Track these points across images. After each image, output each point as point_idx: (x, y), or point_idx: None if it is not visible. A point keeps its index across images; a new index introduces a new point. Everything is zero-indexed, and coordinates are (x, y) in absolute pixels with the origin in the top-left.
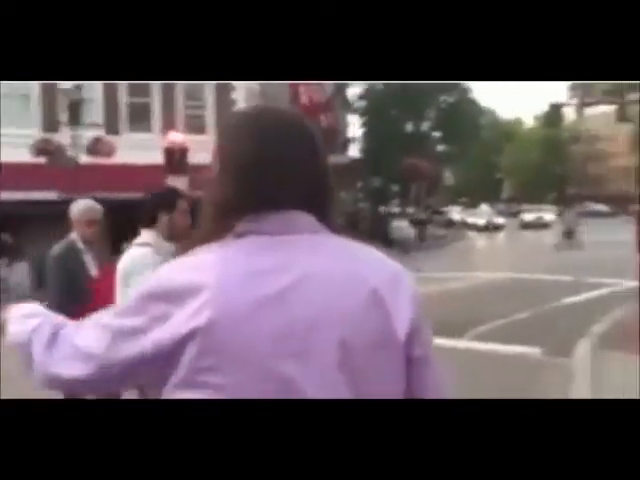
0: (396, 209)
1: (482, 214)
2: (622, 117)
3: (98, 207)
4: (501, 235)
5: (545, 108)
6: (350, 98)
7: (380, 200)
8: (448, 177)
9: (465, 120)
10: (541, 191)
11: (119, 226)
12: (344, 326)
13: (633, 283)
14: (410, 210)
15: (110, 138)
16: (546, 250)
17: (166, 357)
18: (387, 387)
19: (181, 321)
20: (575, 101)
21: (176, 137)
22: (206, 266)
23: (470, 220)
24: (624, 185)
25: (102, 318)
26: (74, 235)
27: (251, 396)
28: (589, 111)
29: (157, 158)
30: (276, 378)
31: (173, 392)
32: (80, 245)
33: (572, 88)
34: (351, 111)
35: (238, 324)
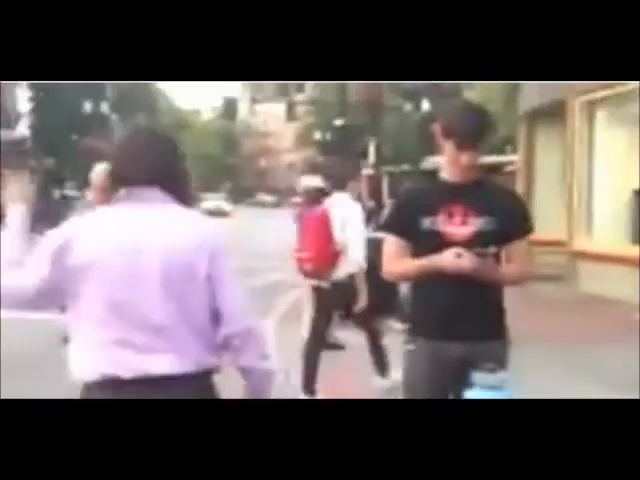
0: (73, 192)
1: None
2: (291, 116)
3: None
4: None
5: (220, 102)
6: None
7: (54, 182)
8: None
9: (142, 105)
10: (217, 181)
11: None
12: (166, 265)
13: None
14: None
15: None
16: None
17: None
18: (199, 310)
19: (70, 252)
20: (247, 97)
21: None
22: (89, 220)
23: None
24: (288, 178)
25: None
26: (91, 201)
27: (100, 299)
28: (261, 108)
29: None
30: (126, 293)
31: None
32: None
33: (244, 85)
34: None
35: (100, 255)
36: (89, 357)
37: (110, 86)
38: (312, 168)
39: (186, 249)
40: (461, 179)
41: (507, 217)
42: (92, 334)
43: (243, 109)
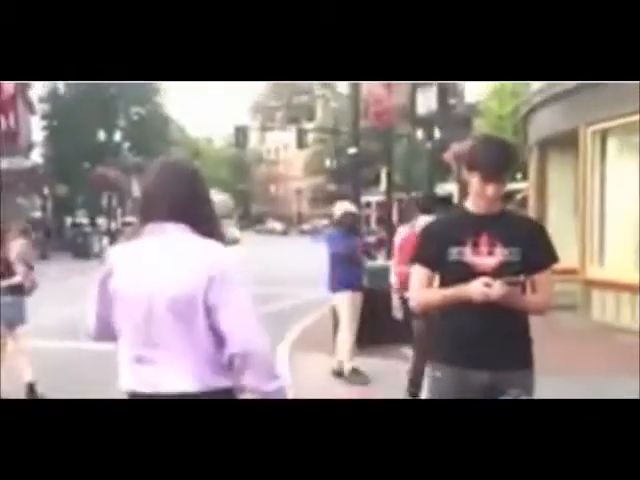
0: (84, 219)
1: None
2: (302, 144)
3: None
4: None
5: (231, 130)
6: (34, 99)
7: (66, 209)
8: (135, 189)
9: (154, 134)
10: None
11: None
12: (173, 294)
13: (314, 294)
14: (100, 221)
15: None
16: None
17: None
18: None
19: (110, 281)
20: (257, 125)
21: None
22: (119, 251)
23: None
24: (298, 205)
25: None
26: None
27: (128, 322)
28: (271, 136)
29: None
30: (143, 318)
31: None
32: None
33: (254, 112)
34: (35, 113)
35: (126, 283)
36: (122, 373)
37: (123, 114)
38: (326, 195)
39: (188, 278)
40: (486, 210)
41: (531, 247)
42: (122, 353)
43: (253, 137)
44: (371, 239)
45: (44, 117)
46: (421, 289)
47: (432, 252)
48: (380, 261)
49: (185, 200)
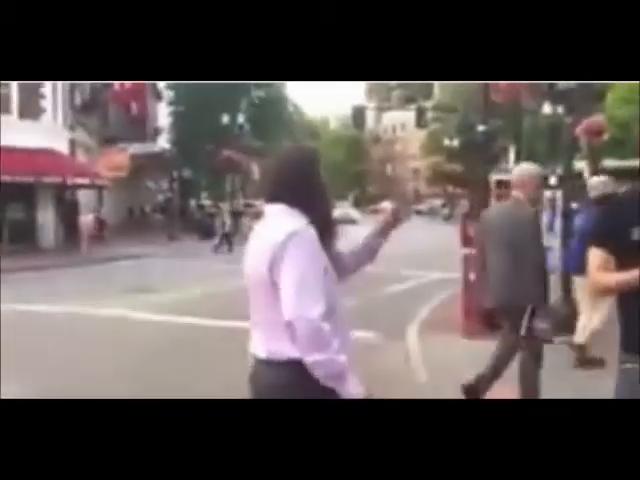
0: (207, 201)
1: None
2: (421, 123)
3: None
4: None
5: (348, 110)
6: (160, 86)
7: (190, 191)
8: (256, 172)
9: (277, 117)
10: (344, 188)
11: None
12: (253, 266)
13: (438, 274)
14: (222, 203)
15: None
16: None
17: None
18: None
19: None
20: (374, 105)
21: None
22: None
23: None
24: (416, 185)
25: None
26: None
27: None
28: (387, 115)
29: None
30: (248, 289)
31: None
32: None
33: (369, 92)
34: (162, 100)
35: (248, 250)
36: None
37: (245, 98)
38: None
39: (261, 256)
40: None
41: None
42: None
43: (370, 117)
44: None
45: (170, 103)
46: (599, 273)
47: (612, 232)
48: None
49: (289, 184)
